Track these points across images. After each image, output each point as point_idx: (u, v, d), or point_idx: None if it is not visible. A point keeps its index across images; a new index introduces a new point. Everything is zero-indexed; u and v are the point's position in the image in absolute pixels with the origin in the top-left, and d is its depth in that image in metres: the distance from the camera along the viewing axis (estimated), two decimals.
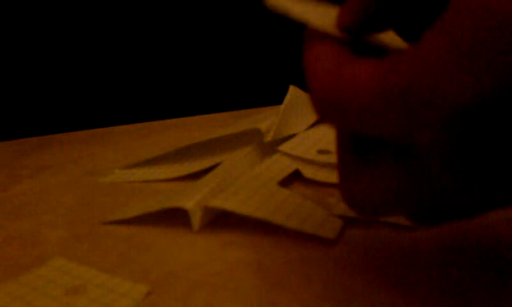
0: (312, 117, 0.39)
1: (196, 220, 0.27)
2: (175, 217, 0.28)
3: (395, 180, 0.16)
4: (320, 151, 0.33)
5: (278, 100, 0.39)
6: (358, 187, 0.17)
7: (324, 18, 0.19)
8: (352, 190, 0.17)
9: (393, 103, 0.14)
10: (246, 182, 0.29)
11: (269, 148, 0.35)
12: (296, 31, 0.67)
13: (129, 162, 0.38)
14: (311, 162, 0.33)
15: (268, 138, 0.34)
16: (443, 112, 0.14)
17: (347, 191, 0.18)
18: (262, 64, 0.65)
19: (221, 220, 0.27)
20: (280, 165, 0.32)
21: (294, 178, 0.32)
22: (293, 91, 0.40)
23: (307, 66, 0.17)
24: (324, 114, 0.17)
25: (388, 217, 0.21)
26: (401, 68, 0.14)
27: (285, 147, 0.34)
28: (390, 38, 0.19)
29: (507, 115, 0.13)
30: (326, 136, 0.36)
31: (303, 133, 0.36)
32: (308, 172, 0.32)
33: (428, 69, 0.14)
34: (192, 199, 0.27)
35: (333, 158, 0.32)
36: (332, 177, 0.31)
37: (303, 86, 0.43)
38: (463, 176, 0.15)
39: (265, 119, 0.37)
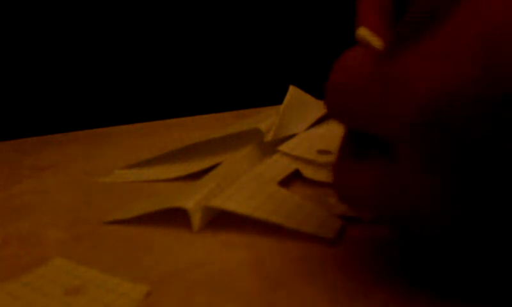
0: (312, 117, 0.39)
1: (196, 220, 0.27)
2: (175, 217, 0.28)
3: (378, 177, 0.17)
4: (320, 151, 0.33)
5: (278, 100, 0.39)
6: (348, 178, 0.18)
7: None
8: (343, 180, 0.18)
9: (377, 89, 0.15)
10: (246, 182, 0.29)
11: (269, 148, 0.35)
12: (295, 31, 0.67)
13: (129, 162, 0.38)
14: (311, 162, 0.33)
15: (268, 138, 0.34)
16: (416, 102, 0.14)
17: (338, 181, 0.19)
18: (262, 64, 0.65)
19: (221, 220, 0.27)
20: (280, 165, 0.32)
21: (294, 178, 0.32)
22: (293, 91, 0.40)
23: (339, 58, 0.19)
24: (328, 93, 0.18)
25: (374, 213, 0.21)
26: (395, 59, 0.15)
27: (285, 147, 0.34)
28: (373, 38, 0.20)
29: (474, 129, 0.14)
30: (326, 136, 0.36)
31: (303, 134, 0.36)
32: (308, 172, 0.32)
33: (413, 63, 0.14)
34: (192, 199, 0.27)
35: (333, 158, 0.32)
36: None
37: (303, 86, 0.43)
38: (435, 182, 0.15)
39: (265, 119, 0.37)
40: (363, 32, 0.20)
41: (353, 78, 0.17)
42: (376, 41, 0.20)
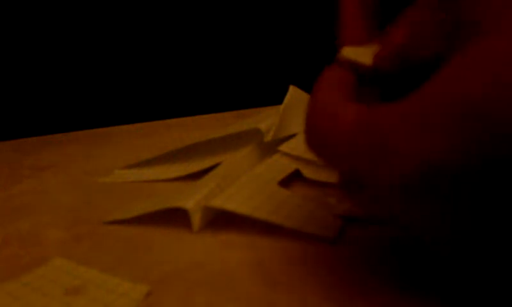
0: None
1: (196, 220, 0.27)
2: (175, 217, 0.28)
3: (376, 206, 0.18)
4: None
5: (278, 100, 0.39)
6: (351, 198, 0.19)
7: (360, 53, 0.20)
8: (348, 197, 0.19)
9: (356, 154, 0.16)
10: (246, 182, 0.29)
11: (269, 148, 0.35)
12: (295, 31, 0.67)
13: (129, 162, 0.38)
14: (311, 162, 0.33)
15: (268, 138, 0.34)
16: (402, 168, 0.15)
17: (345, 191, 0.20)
18: (262, 64, 0.65)
19: (221, 220, 0.27)
20: (280, 165, 0.32)
21: (294, 178, 0.32)
22: (293, 91, 0.40)
23: (312, 92, 0.19)
24: (308, 139, 0.19)
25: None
26: (378, 124, 0.16)
27: (285, 147, 0.34)
28: (360, 54, 0.20)
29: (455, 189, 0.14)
30: None
31: (303, 134, 0.36)
32: (308, 172, 0.32)
33: (398, 132, 0.15)
34: (192, 199, 0.27)
35: None
36: (332, 177, 0.31)
37: (303, 86, 0.43)
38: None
39: (265, 119, 0.37)
40: (346, 54, 0.20)
41: (334, 132, 0.17)
42: (363, 59, 0.19)
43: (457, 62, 0.14)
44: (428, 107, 0.14)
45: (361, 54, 0.20)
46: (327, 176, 0.31)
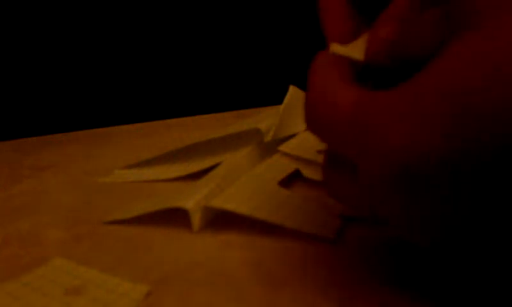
0: None
1: (196, 220, 0.27)
2: (175, 217, 0.28)
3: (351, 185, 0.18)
4: (320, 152, 0.33)
5: (278, 100, 0.39)
6: (335, 188, 0.19)
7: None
8: (329, 184, 0.20)
9: (354, 137, 0.16)
10: (246, 182, 0.29)
11: (269, 148, 0.35)
12: (296, 31, 0.67)
13: (129, 162, 0.38)
14: (311, 162, 0.33)
15: (268, 138, 0.34)
16: (386, 159, 0.15)
17: (326, 183, 0.20)
18: (262, 64, 0.65)
19: (220, 220, 0.27)
20: (280, 165, 0.32)
21: (294, 178, 0.32)
22: (293, 91, 0.40)
23: (309, 73, 0.19)
24: (307, 123, 0.19)
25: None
26: (371, 111, 0.15)
27: (285, 147, 0.34)
28: (350, 50, 0.20)
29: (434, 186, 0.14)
30: None
31: (303, 134, 0.36)
32: (308, 172, 0.32)
33: (385, 122, 0.15)
34: (192, 199, 0.27)
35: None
36: None
37: (303, 86, 0.43)
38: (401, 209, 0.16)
39: (265, 119, 0.37)
40: (337, 50, 0.20)
41: (330, 122, 0.17)
42: (355, 54, 0.19)
43: (455, 53, 0.14)
44: (424, 98, 0.14)
45: (351, 49, 0.19)
46: None
